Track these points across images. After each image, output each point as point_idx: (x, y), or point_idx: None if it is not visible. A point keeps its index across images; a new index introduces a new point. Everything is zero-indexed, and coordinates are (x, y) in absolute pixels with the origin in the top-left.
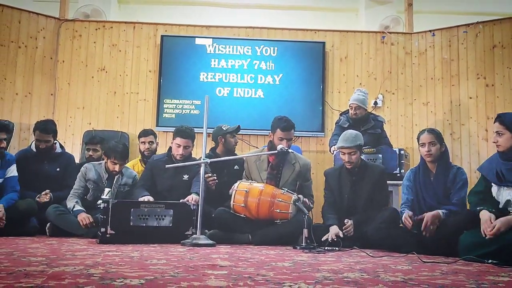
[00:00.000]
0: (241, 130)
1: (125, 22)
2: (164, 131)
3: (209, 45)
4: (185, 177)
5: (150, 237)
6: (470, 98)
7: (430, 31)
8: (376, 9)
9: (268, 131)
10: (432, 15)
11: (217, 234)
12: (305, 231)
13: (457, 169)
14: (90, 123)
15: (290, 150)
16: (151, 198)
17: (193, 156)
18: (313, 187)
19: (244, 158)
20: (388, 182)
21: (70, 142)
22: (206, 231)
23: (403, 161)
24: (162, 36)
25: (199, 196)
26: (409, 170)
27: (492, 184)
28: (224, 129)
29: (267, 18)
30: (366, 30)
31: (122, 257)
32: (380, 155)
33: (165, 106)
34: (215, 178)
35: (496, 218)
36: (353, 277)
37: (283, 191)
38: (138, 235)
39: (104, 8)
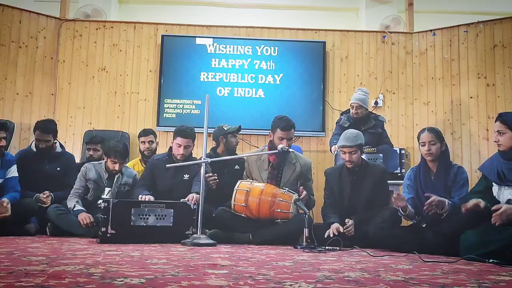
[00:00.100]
0: (241, 130)
1: (126, 22)
2: (164, 131)
3: (209, 45)
4: (186, 176)
5: (151, 237)
6: (471, 97)
7: (430, 30)
8: (376, 9)
9: (269, 131)
10: (433, 15)
11: (218, 234)
12: (306, 230)
13: (458, 168)
14: (90, 123)
15: (290, 150)
16: (151, 197)
17: (193, 155)
18: (314, 187)
19: (245, 158)
20: (388, 181)
21: (71, 142)
22: (207, 230)
23: (403, 161)
24: (162, 36)
25: (199, 195)
26: (409, 170)
27: (493, 183)
28: (226, 129)
29: (268, 18)
30: (367, 29)
31: (123, 256)
32: (381, 155)
33: (165, 106)
34: (216, 177)
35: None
36: (354, 276)
37: (284, 190)
38: (139, 234)
39: (105, 8)
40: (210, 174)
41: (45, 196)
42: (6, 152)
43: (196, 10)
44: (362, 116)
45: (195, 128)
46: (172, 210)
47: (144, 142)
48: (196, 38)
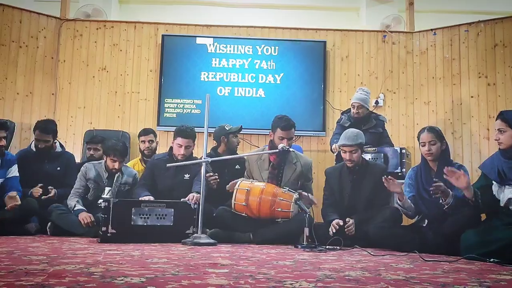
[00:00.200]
0: (242, 130)
1: (126, 22)
2: (165, 131)
3: (210, 45)
4: (186, 176)
5: (151, 236)
6: (472, 97)
7: (431, 30)
8: (377, 8)
9: (269, 131)
10: (433, 14)
11: (218, 233)
12: (306, 230)
13: (459, 167)
14: (91, 123)
15: (291, 149)
16: (151, 198)
17: (194, 155)
18: (315, 186)
19: (245, 157)
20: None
21: (71, 142)
22: (207, 230)
23: (404, 160)
24: (163, 36)
25: (200, 195)
26: (410, 169)
27: (493, 182)
28: (227, 129)
29: (268, 18)
30: (367, 29)
31: (123, 255)
32: (381, 154)
33: (166, 105)
34: (217, 177)
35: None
36: (354, 275)
37: (285, 190)
38: (139, 234)
39: (105, 7)
40: (211, 174)
41: (35, 191)
42: (7, 152)
43: (196, 9)
44: (363, 116)
45: (195, 128)
46: (173, 210)
47: (144, 141)
48: (197, 37)
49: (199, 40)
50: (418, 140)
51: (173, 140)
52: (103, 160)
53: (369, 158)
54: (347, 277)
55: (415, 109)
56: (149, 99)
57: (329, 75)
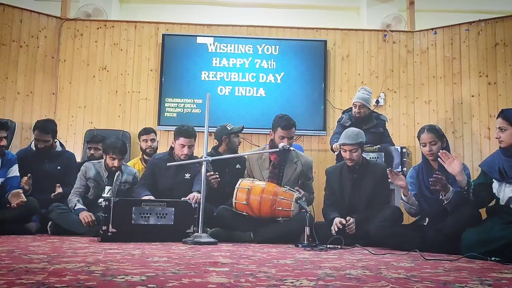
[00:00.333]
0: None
1: (127, 21)
2: (165, 130)
3: (210, 44)
4: (187, 175)
5: (152, 235)
6: (472, 96)
7: (432, 29)
8: (377, 8)
9: (270, 130)
10: (434, 13)
11: (219, 232)
12: (307, 229)
13: None
14: (91, 122)
15: (292, 148)
16: (151, 197)
17: (194, 155)
18: (315, 186)
19: (246, 156)
20: (390, 180)
21: (72, 141)
22: (208, 229)
23: (405, 159)
24: (163, 35)
25: (200, 194)
26: (411, 168)
27: (493, 180)
28: (229, 128)
29: (269, 17)
30: (368, 28)
31: (124, 254)
32: (382, 154)
33: (166, 105)
34: (217, 176)
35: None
36: (355, 274)
37: (285, 189)
38: (140, 233)
39: (106, 7)
40: (212, 173)
41: (23, 181)
42: (7, 151)
43: (197, 9)
44: (364, 115)
45: (196, 127)
46: (173, 209)
47: (146, 140)
48: (197, 37)
49: (199, 40)
50: (419, 140)
51: (174, 140)
52: (103, 160)
53: (371, 157)
54: (347, 276)
55: (415, 108)
56: (150, 99)
57: (330, 75)
